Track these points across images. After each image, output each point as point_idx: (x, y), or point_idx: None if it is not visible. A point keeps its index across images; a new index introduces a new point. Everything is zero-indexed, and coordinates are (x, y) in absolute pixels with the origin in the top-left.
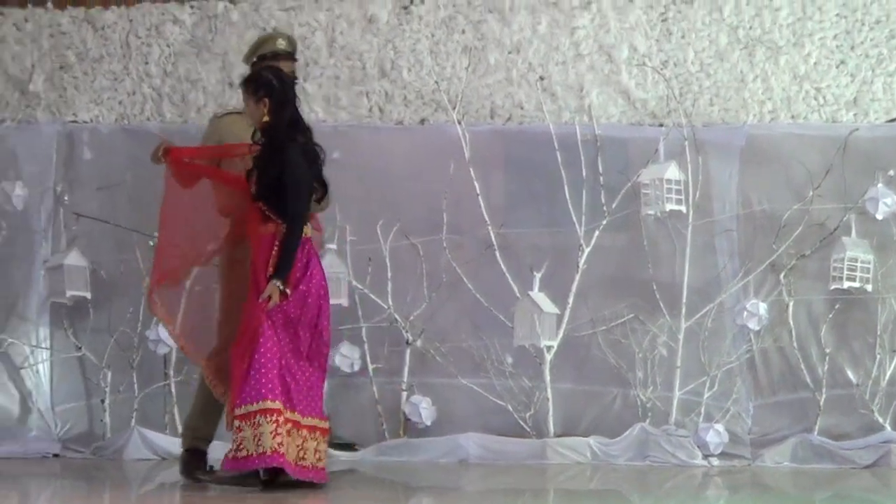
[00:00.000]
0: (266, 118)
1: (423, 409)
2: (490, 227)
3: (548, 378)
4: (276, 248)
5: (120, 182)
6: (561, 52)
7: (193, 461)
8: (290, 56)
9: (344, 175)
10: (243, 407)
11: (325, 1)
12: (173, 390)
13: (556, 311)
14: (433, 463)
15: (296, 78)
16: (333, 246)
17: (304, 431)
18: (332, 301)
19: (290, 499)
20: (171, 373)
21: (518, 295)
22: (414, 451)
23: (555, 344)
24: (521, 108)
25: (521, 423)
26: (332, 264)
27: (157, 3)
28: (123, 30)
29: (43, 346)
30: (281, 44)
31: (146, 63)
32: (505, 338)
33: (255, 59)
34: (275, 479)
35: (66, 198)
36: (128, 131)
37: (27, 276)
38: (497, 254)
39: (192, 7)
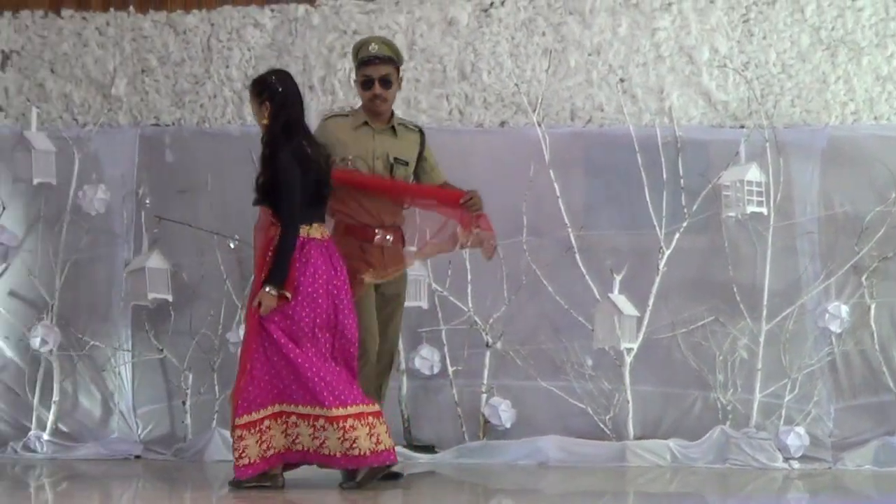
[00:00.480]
0: (265, 121)
1: (503, 412)
2: (570, 230)
3: (627, 380)
4: (270, 252)
5: (201, 185)
6: (641, 54)
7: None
8: (385, 60)
9: None
10: (244, 417)
11: (406, 4)
12: None
13: (636, 313)
14: (512, 465)
15: (387, 82)
16: (413, 248)
17: (341, 422)
18: (412, 303)
19: (362, 500)
20: None
21: (598, 297)
22: (493, 454)
23: (635, 346)
24: (602, 111)
25: (601, 425)
26: (413, 267)
27: (237, 6)
28: (204, 33)
29: (125, 348)
30: (373, 48)
31: (227, 66)
32: (585, 340)
33: (356, 65)
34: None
35: (147, 201)
36: (209, 134)
37: (109, 279)
38: (577, 256)
39: (272, 10)
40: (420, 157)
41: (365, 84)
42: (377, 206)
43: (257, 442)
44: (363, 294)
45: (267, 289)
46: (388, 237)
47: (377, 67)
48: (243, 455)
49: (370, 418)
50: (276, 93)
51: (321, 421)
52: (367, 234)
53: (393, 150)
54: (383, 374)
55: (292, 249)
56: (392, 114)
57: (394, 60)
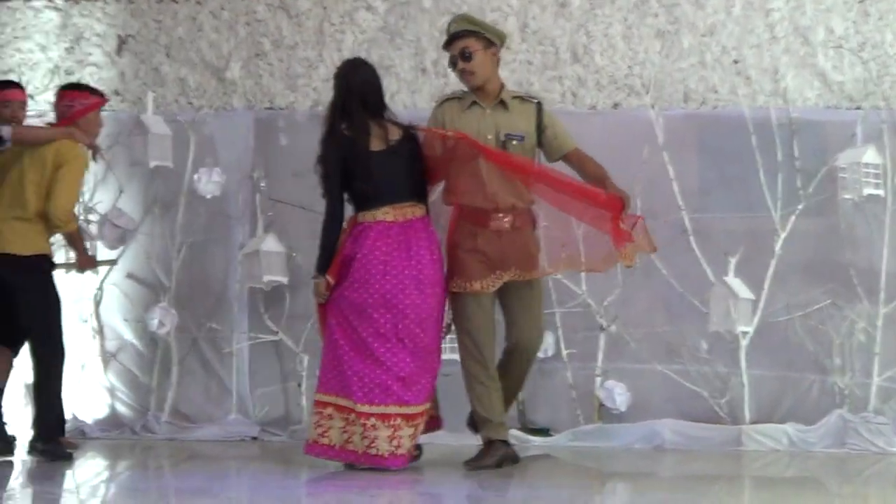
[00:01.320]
0: None
1: (618, 395)
2: (684, 212)
3: (743, 364)
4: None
5: (315, 167)
6: (756, 35)
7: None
8: (462, 34)
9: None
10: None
11: None
12: None
13: (751, 296)
14: (627, 449)
15: (467, 55)
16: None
17: (364, 419)
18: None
19: (493, 479)
20: None
21: (713, 280)
22: (608, 437)
23: (750, 329)
24: (715, 92)
25: (717, 409)
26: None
27: None
28: (317, 17)
29: (241, 330)
30: (451, 27)
31: (340, 50)
32: (699, 323)
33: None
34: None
35: (262, 184)
36: (322, 117)
37: (224, 262)
38: (691, 239)
39: None
40: (540, 129)
41: (451, 63)
42: (497, 186)
43: (315, 424)
44: (472, 294)
45: (312, 275)
46: (506, 220)
47: (456, 44)
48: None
49: (398, 420)
50: (336, 78)
51: (352, 415)
52: (480, 218)
53: (505, 125)
54: (519, 366)
55: (328, 237)
56: (502, 88)
57: (473, 32)
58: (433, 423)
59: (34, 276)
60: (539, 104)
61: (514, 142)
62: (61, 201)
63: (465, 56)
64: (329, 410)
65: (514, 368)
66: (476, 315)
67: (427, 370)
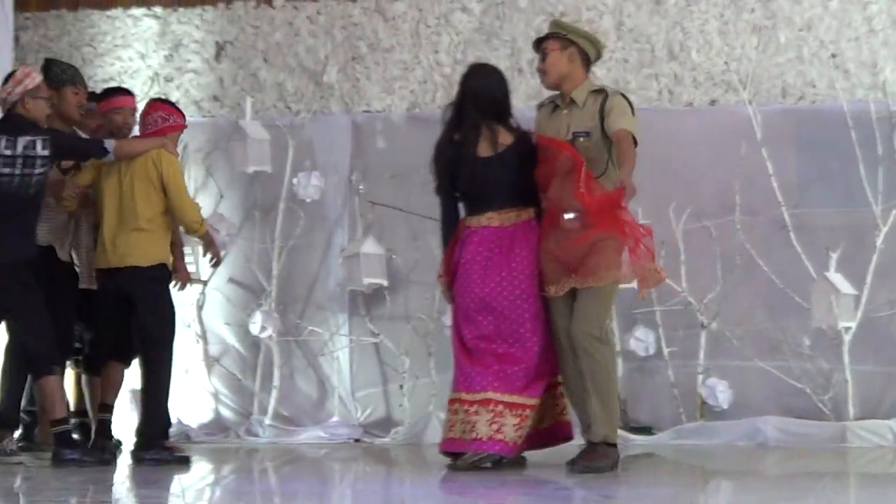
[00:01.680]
0: None
1: (720, 392)
2: (784, 208)
3: (846, 360)
4: None
5: (413, 170)
6: (853, 29)
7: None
8: (545, 38)
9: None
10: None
11: None
12: None
13: (853, 291)
14: (731, 446)
15: (544, 56)
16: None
17: (476, 407)
18: (626, 285)
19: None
20: None
21: (814, 276)
22: (711, 434)
23: (853, 325)
24: (813, 87)
25: (820, 405)
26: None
27: None
28: (413, 19)
29: (342, 333)
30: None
31: (436, 52)
32: (801, 319)
33: None
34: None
35: (360, 186)
36: (419, 119)
37: (324, 265)
38: (791, 234)
39: None
40: (602, 117)
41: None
42: (565, 186)
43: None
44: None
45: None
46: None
47: (539, 46)
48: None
49: (499, 407)
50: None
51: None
52: (552, 218)
53: (575, 123)
54: (564, 361)
55: (443, 238)
56: (578, 87)
57: (555, 34)
58: (563, 430)
59: (155, 285)
60: (605, 92)
61: (581, 139)
62: (186, 212)
63: (542, 56)
64: (455, 406)
65: (563, 366)
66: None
67: (534, 368)
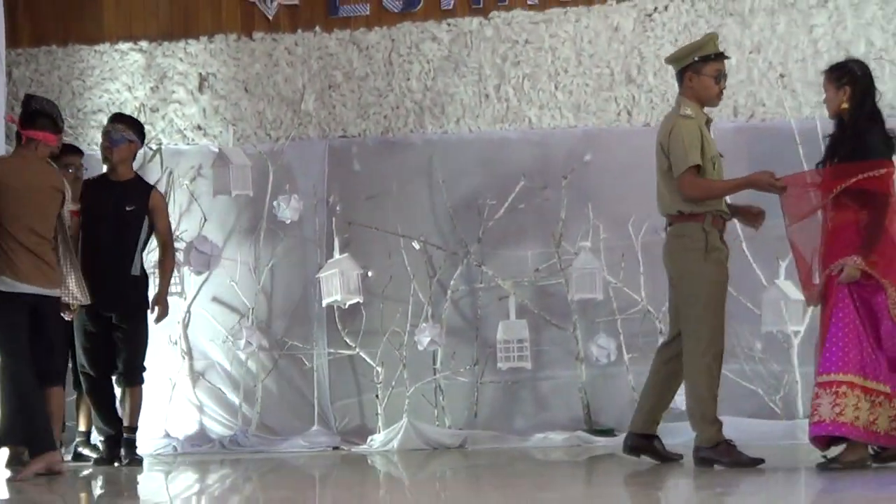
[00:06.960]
0: (844, 105)
1: (678, 395)
2: (736, 220)
3: (796, 362)
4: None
5: (387, 191)
6: (800, 50)
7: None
8: (723, 56)
9: (596, 176)
10: (823, 375)
11: (573, 13)
12: (441, 385)
13: (801, 298)
14: (689, 445)
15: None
16: (587, 243)
17: (873, 397)
18: (587, 295)
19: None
20: (439, 367)
21: (765, 283)
22: (671, 435)
23: (802, 329)
24: (763, 106)
25: (772, 405)
26: (587, 261)
27: (416, 22)
28: (386, 49)
29: (320, 347)
30: (721, 45)
31: (408, 79)
32: (753, 325)
33: (695, 59)
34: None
35: (337, 208)
36: (393, 143)
37: (304, 282)
38: (743, 244)
39: (448, 24)
40: None
41: (717, 78)
42: None
43: (830, 404)
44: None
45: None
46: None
47: (726, 63)
48: (815, 413)
49: (857, 391)
50: (857, 78)
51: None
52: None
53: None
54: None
55: None
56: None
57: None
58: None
59: None
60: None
61: (721, 157)
62: None
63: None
64: (844, 389)
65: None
66: None
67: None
